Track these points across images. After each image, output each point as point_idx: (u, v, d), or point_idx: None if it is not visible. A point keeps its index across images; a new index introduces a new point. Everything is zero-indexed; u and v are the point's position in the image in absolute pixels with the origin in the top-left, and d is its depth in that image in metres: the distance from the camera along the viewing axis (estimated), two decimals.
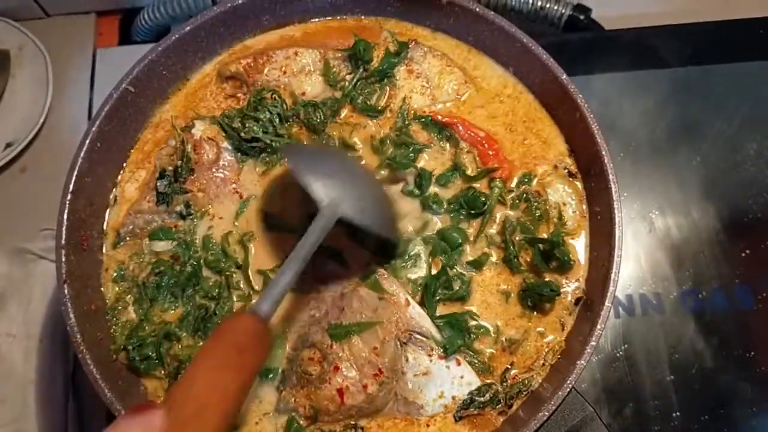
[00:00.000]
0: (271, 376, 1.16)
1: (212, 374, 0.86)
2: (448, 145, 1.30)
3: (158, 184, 1.26)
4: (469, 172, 1.27)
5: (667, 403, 1.30)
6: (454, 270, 1.22)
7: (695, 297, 1.37)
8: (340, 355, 1.12)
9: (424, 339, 1.16)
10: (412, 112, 1.32)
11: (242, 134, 1.27)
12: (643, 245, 1.41)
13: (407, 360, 1.15)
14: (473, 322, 1.19)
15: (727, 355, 1.33)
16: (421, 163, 1.28)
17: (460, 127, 1.29)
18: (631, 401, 1.30)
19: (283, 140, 1.28)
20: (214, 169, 1.28)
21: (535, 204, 1.25)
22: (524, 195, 1.26)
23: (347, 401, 1.11)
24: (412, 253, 1.23)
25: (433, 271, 1.22)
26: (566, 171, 1.28)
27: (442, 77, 1.33)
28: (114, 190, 1.28)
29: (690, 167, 1.46)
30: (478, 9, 1.28)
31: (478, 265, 1.22)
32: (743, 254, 1.40)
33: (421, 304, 1.19)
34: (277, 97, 1.30)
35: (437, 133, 1.30)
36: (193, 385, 0.84)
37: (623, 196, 1.40)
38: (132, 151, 1.30)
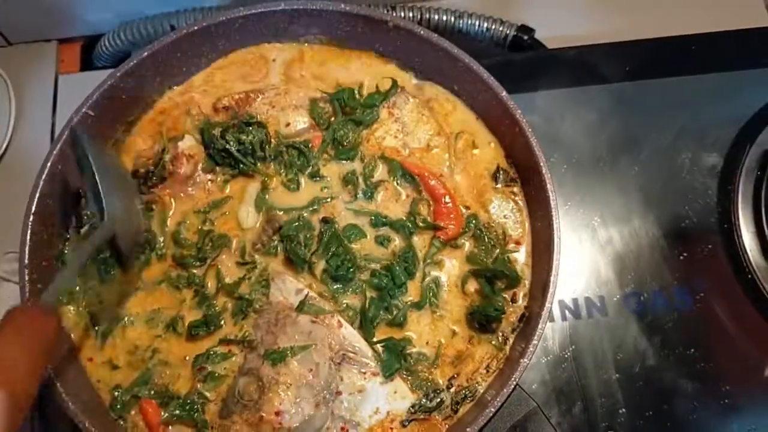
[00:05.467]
0: None
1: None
2: (408, 190, 1.34)
3: None
4: (419, 221, 1.30)
5: (614, 401, 1.35)
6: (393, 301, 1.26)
7: (637, 299, 1.43)
8: (277, 379, 1.15)
9: (357, 358, 1.20)
10: (381, 152, 1.36)
11: (215, 143, 1.31)
12: (587, 252, 1.47)
13: (342, 379, 1.19)
14: (413, 349, 1.24)
15: (669, 353, 1.39)
16: (378, 200, 1.33)
17: (430, 181, 1.33)
18: (579, 400, 1.35)
19: (252, 166, 1.32)
20: (187, 185, 1.33)
21: (486, 234, 1.30)
22: (475, 232, 1.31)
23: (286, 423, 1.13)
24: (352, 281, 1.26)
25: (373, 295, 1.26)
26: (507, 178, 1.34)
27: (418, 126, 1.38)
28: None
29: (629, 177, 1.52)
30: (422, 32, 1.33)
31: (418, 306, 1.26)
32: (681, 257, 1.46)
33: (360, 328, 1.23)
34: (261, 127, 1.34)
35: (401, 177, 1.34)
36: None
37: (567, 206, 1.47)
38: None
